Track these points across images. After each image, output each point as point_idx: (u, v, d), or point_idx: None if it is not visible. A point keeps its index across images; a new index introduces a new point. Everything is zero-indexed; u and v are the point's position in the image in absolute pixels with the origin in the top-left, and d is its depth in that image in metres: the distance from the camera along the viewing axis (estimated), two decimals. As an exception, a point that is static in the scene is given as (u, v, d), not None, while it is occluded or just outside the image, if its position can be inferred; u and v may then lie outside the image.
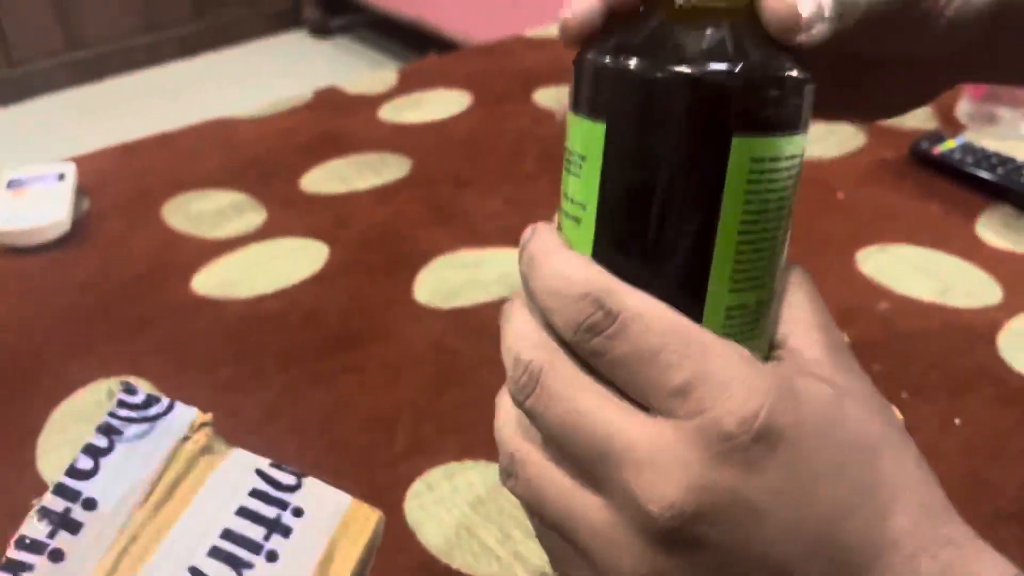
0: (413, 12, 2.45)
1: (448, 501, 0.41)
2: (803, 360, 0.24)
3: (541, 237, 0.25)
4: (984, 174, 0.63)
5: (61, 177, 0.66)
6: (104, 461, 0.30)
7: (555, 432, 0.24)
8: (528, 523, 0.40)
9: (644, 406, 0.23)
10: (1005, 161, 0.64)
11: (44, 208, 0.62)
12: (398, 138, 0.75)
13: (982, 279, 0.55)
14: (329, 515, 0.31)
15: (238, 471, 0.32)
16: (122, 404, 0.32)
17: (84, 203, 0.67)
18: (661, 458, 0.22)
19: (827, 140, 0.72)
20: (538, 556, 0.38)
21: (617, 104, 0.24)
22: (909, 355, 0.49)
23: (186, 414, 0.32)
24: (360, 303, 0.55)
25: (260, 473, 0.32)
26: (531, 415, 0.24)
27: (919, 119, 0.75)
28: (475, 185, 0.67)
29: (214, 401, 0.48)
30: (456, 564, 0.38)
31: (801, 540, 0.22)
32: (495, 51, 0.92)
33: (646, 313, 0.23)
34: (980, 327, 0.51)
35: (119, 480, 0.30)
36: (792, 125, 0.24)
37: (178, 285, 0.57)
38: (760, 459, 0.22)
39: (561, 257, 0.24)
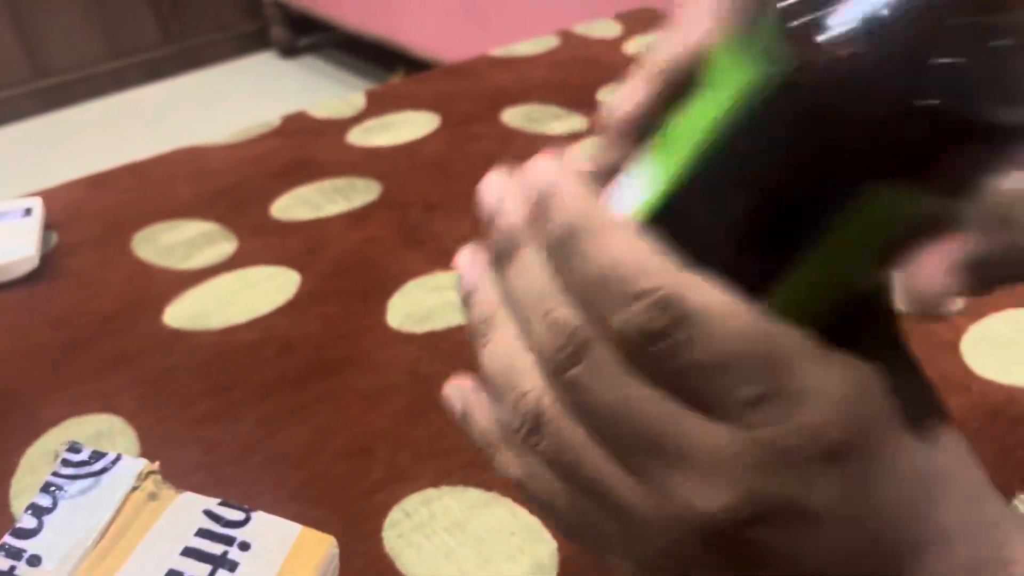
0: (381, 30, 2.46)
1: (426, 527, 0.41)
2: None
3: (582, 202, 0.21)
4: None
5: (28, 212, 0.66)
6: (47, 519, 0.31)
7: (600, 411, 0.21)
8: (506, 546, 0.40)
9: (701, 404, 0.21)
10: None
11: (11, 244, 0.62)
12: (367, 162, 0.75)
13: (945, 286, 0.56)
14: (278, 546, 0.31)
15: (185, 513, 0.32)
16: (66, 463, 0.33)
17: (52, 238, 0.66)
18: (722, 465, 0.21)
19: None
20: (517, 580, 0.38)
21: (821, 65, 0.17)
22: (876, 364, 0.50)
23: (133, 465, 0.33)
24: (333, 331, 0.55)
25: (207, 512, 0.32)
26: (572, 385, 0.22)
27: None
28: (445, 208, 0.68)
29: (190, 436, 0.48)
30: (436, 592, 0.38)
31: (852, 549, 0.22)
32: (462, 71, 0.93)
33: (720, 316, 0.20)
34: (944, 333, 0.52)
35: (64, 535, 0.30)
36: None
37: (150, 319, 0.57)
38: (822, 471, 0.21)
39: (615, 239, 0.21)
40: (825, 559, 0.22)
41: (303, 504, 0.43)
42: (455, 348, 0.53)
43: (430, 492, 0.43)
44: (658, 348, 0.20)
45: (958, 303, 0.22)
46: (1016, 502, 0.41)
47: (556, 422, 0.22)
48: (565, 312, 0.21)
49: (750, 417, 0.20)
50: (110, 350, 0.54)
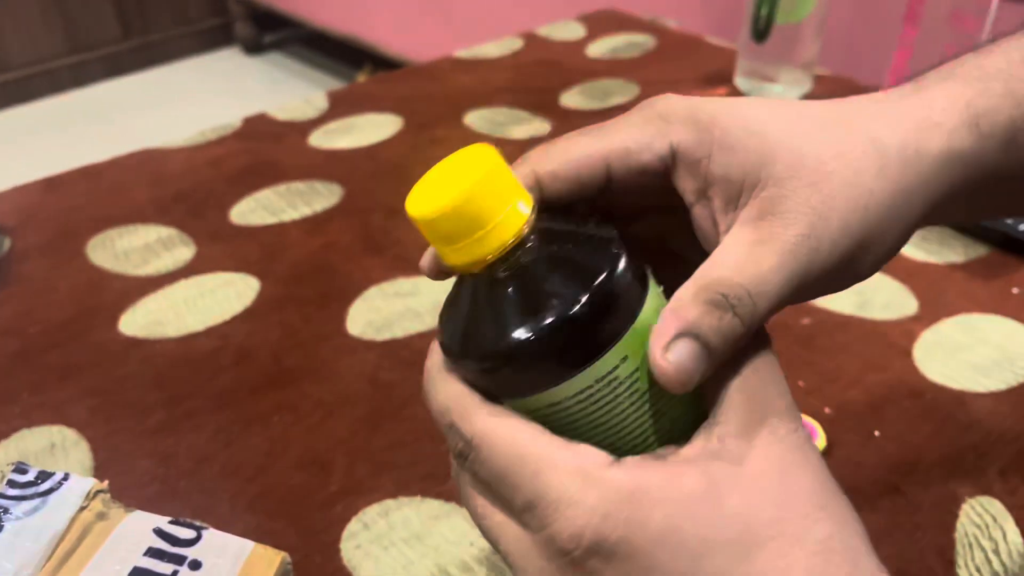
0: (346, 28, 2.44)
1: (384, 539, 0.41)
2: (703, 444, 0.24)
3: (429, 358, 0.27)
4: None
5: (-21, 218, 0.64)
6: None
7: (464, 502, 0.27)
8: (464, 558, 0.40)
9: None
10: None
11: (-38, 251, 0.60)
12: (328, 165, 0.74)
13: (899, 291, 0.57)
14: (229, 563, 0.31)
15: (134, 533, 0.31)
16: (12, 484, 0.32)
17: (4, 243, 0.65)
18: (527, 564, 0.24)
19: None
20: (475, 591, 0.38)
21: None
22: (830, 370, 0.51)
23: (81, 484, 0.33)
24: (292, 338, 0.55)
25: (158, 531, 0.32)
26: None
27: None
28: (406, 214, 0.67)
29: (144, 448, 0.47)
30: (393, 604, 0.38)
31: None
32: (425, 73, 0.92)
33: (492, 435, 0.25)
34: (897, 339, 0.53)
35: (9, 557, 0.30)
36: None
37: (104, 327, 0.56)
38: (599, 568, 0.23)
39: (432, 382, 0.27)
40: None
41: (260, 516, 0.43)
42: (415, 356, 0.52)
43: (388, 503, 0.43)
44: (464, 466, 0.25)
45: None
46: (965, 506, 0.42)
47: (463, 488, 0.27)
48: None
49: (527, 521, 0.24)
50: (63, 359, 0.53)
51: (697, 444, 0.24)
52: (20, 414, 0.49)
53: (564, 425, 0.25)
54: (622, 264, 0.24)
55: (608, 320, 0.24)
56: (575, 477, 0.23)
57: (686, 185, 0.27)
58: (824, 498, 0.24)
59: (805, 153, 0.25)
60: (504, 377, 0.25)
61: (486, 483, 0.25)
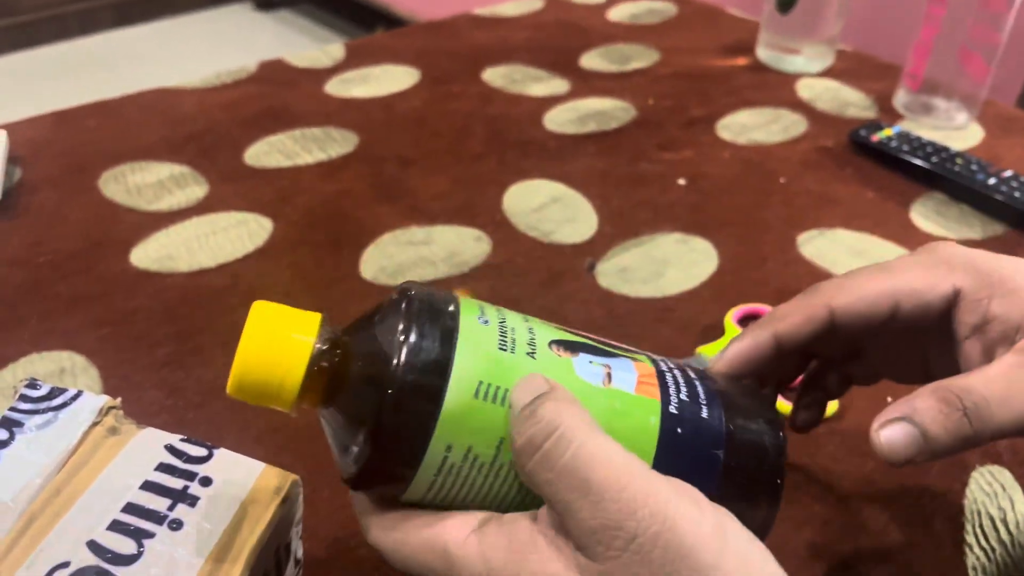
0: (360, -13, 2.41)
1: (393, 478, 0.41)
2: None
3: None
4: (919, 162, 0.65)
5: (-9, 145, 0.63)
6: (3, 452, 0.30)
7: None
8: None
9: None
10: (939, 150, 0.66)
11: (-28, 177, 0.60)
12: (344, 113, 0.74)
13: (915, 264, 0.57)
14: (240, 481, 0.31)
15: (146, 448, 0.31)
16: (23, 398, 0.32)
17: (16, 173, 0.64)
18: None
19: (770, 127, 0.73)
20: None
21: None
22: (845, 337, 0.50)
23: (94, 401, 0.32)
24: (305, 280, 0.54)
25: (169, 448, 0.31)
26: None
27: (859, 108, 0.77)
28: (421, 163, 0.67)
29: (153, 379, 0.47)
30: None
31: None
32: (443, 29, 0.91)
33: (384, 545, 0.27)
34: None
35: (19, 470, 0.29)
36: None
37: (115, 259, 0.56)
38: None
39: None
40: None
41: (268, 449, 0.43)
42: (428, 303, 0.52)
43: (398, 443, 0.43)
44: None
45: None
46: (975, 474, 0.42)
47: None
48: None
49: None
50: (72, 289, 0.53)
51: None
52: (29, 340, 0.49)
53: (444, 505, 0.27)
54: (408, 366, 0.25)
55: (407, 432, 0.25)
56: (440, 555, 0.25)
57: (965, 319, 0.31)
58: None
59: None
60: (370, 491, 0.27)
61: None
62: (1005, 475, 0.42)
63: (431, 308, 0.26)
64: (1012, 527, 0.40)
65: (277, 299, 0.53)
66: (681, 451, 0.26)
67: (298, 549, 0.34)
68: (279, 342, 0.26)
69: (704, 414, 0.27)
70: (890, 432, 0.27)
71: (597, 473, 0.23)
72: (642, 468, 0.24)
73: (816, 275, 0.55)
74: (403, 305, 0.27)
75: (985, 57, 0.70)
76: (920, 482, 0.42)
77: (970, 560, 0.38)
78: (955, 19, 0.70)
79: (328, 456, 0.42)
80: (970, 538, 0.39)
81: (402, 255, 0.56)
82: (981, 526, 0.40)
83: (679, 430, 0.27)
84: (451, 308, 0.27)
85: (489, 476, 0.26)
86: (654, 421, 0.26)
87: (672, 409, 0.27)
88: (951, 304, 0.31)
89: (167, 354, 0.48)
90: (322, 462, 0.41)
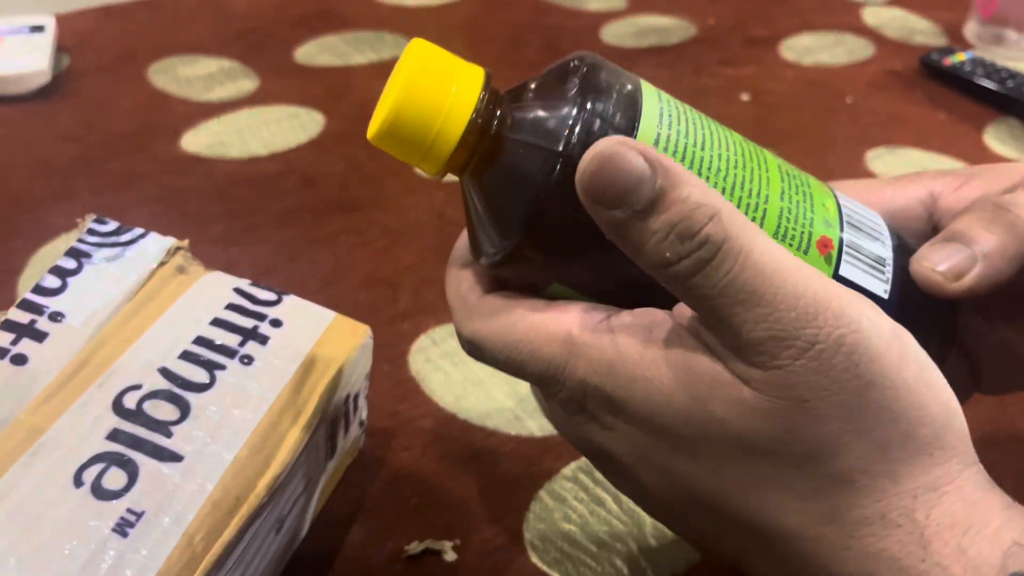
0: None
1: (455, 356, 0.40)
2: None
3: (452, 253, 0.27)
4: (993, 86, 0.62)
5: (38, 29, 0.62)
6: (72, 280, 0.29)
7: None
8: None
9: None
10: (1014, 75, 0.64)
11: (22, 57, 0.59)
12: (396, 19, 0.72)
13: (989, 184, 0.55)
14: (311, 327, 0.30)
15: (215, 288, 0.30)
16: (92, 232, 0.31)
17: (64, 60, 0.63)
18: (555, 421, 0.26)
19: (834, 49, 0.71)
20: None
21: None
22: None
23: (161, 241, 0.31)
24: (358, 172, 0.53)
25: (238, 290, 0.30)
26: None
27: (927, 36, 0.74)
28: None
29: (206, 254, 0.45)
30: (463, 415, 0.37)
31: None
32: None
33: (485, 336, 0.24)
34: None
35: (88, 298, 0.28)
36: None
37: (166, 143, 0.54)
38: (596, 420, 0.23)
39: (446, 276, 0.27)
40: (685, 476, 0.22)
41: (325, 326, 0.42)
42: (485, 197, 0.51)
43: (458, 324, 0.42)
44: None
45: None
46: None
47: None
48: None
49: (544, 396, 0.25)
50: (122, 168, 0.52)
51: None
52: (79, 212, 0.47)
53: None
54: (588, 136, 0.22)
55: (575, 212, 0.22)
56: (560, 341, 0.22)
57: None
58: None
59: None
60: (513, 275, 0.24)
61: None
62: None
63: (611, 79, 0.23)
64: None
65: (333, 188, 0.52)
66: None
67: (364, 408, 0.33)
68: (440, 89, 0.22)
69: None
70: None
71: (766, 283, 0.20)
72: (817, 273, 0.21)
73: (886, 190, 0.53)
74: (579, 74, 0.23)
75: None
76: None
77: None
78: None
79: (389, 334, 0.41)
80: (1049, 445, 0.38)
81: (458, 152, 0.55)
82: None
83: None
84: (631, 86, 0.23)
85: None
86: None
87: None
88: None
89: (219, 232, 0.47)
90: (381, 340, 0.40)
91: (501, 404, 0.37)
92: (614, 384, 0.22)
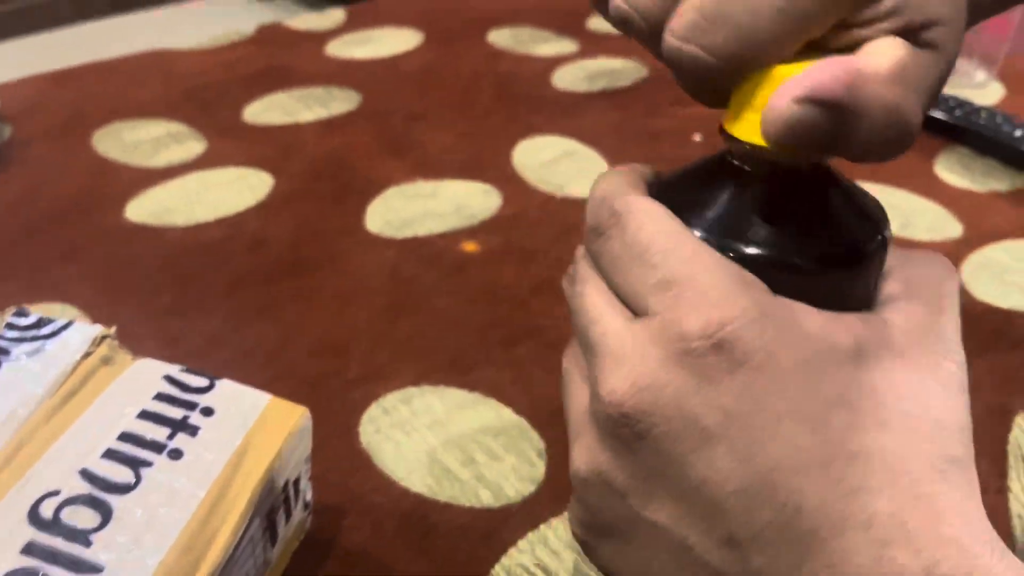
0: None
1: (406, 425, 0.39)
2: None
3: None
4: (942, 115, 0.63)
5: (-20, 101, 0.61)
6: None
7: (570, 305, 0.25)
8: (491, 446, 0.38)
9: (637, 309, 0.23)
10: (962, 104, 0.64)
11: (-39, 131, 0.57)
12: (346, 73, 0.71)
13: (942, 215, 0.55)
14: (244, 413, 0.29)
15: (143, 377, 0.29)
16: (10, 326, 0.30)
17: (5, 130, 0.62)
18: (622, 351, 0.22)
19: (786, 84, 0.71)
20: (502, 478, 0.36)
21: None
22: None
23: (86, 331, 0.30)
24: (308, 231, 0.52)
25: (168, 378, 0.29)
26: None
27: (876, 66, 0.74)
28: (428, 119, 0.65)
29: (151, 328, 0.45)
30: (416, 488, 0.36)
31: (744, 476, 0.20)
32: (447, -7, 0.89)
33: (642, 213, 0.23)
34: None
35: (7, 397, 0.27)
36: None
37: (110, 212, 0.53)
38: (715, 373, 0.20)
39: (600, 177, 0.25)
40: (716, 490, 0.20)
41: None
42: (436, 254, 0.50)
43: (411, 391, 0.41)
44: (595, 244, 0.24)
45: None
46: (1019, 418, 0.40)
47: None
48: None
49: (655, 304, 0.22)
50: (65, 240, 0.51)
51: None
52: (20, 290, 0.47)
53: None
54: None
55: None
56: (732, 278, 0.21)
57: None
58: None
59: None
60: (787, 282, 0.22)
61: (616, 258, 0.23)
62: (1049, 420, 0.40)
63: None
64: (1058, 473, 0.38)
65: (282, 250, 0.51)
66: None
67: (307, 490, 0.32)
68: None
69: None
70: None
71: None
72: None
73: (840, 226, 0.53)
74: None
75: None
76: (960, 428, 0.40)
77: (1015, 508, 0.36)
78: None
79: (339, 405, 0.40)
80: (1014, 485, 0.37)
81: (408, 208, 0.54)
82: (1026, 472, 0.38)
83: None
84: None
85: None
86: None
87: None
88: None
89: (165, 304, 0.46)
90: (331, 411, 0.39)
91: (455, 474, 0.36)
92: (780, 331, 0.21)
